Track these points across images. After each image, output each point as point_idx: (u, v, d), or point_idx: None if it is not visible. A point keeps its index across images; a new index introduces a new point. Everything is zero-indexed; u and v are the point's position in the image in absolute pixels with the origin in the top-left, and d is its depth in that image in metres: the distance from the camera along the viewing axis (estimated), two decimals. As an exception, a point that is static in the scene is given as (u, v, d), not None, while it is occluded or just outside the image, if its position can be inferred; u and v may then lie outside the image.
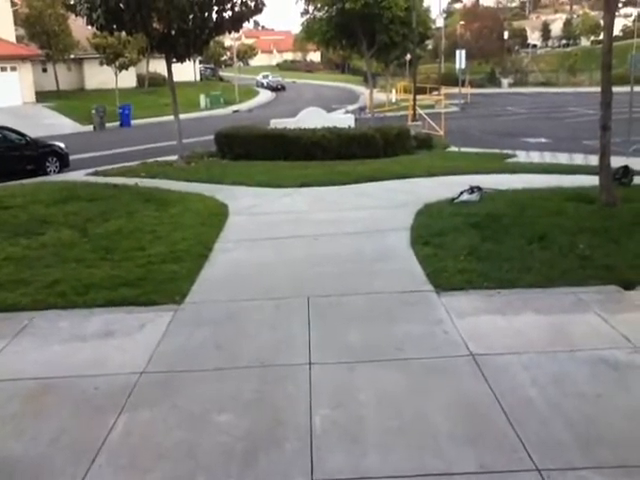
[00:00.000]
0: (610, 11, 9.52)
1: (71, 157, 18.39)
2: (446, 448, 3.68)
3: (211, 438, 3.89)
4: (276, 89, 61.03)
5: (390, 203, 10.33)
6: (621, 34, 68.92)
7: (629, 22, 75.43)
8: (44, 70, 44.25)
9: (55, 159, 17.72)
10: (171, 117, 18.48)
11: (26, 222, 9.54)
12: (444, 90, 38.20)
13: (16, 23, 41.01)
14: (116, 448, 3.83)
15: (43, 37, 40.81)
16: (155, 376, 4.72)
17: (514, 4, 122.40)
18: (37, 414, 4.25)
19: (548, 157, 17.64)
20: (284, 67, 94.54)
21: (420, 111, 27.90)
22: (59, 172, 17.32)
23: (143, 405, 4.30)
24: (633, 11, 69.51)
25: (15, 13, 41.08)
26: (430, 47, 70.31)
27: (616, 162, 10.46)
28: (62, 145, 18.52)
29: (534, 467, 3.47)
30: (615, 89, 9.27)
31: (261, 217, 9.87)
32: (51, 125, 31.15)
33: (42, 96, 39.79)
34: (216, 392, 4.44)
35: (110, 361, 5.00)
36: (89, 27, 18.27)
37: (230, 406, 4.23)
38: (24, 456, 3.79)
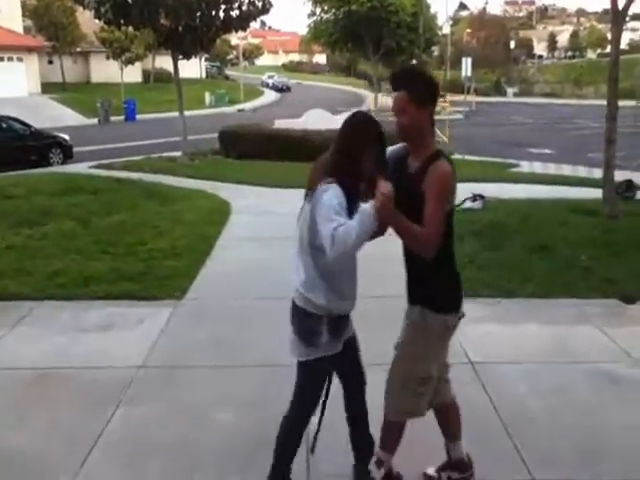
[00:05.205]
0: (617, 24, 9.52)
1: (75, 149, 18.39)
2: (443, 456, 3.66)
3: (209, 435, 3.88)
4: (281, 90, 61.07)
5: (393, 207, 10.31)
6: (627, 48, 69.17)
7: (636, 36, 75.67)
8: (50, 62, 44.30)
9: (59, 150, 17.75)
10: (175, 113, 18.52)
11: (28, 212, 9.53)
12: (449, 97, 38.25)
13: (24, 14, 41.09)
14: (113, 441, 3.81)
15: (50, 29, 40.94)
16: (154, 371, 4.71)
17: (521, 14, 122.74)
18: (34, 404, 4.24)
19: (552, 168, 17.65)
20: (290, 68, 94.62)
21: (425, 117, 27.86)
22: (62, 163, 17.35)
23: (141, 399, 4.29)
24: (640, 25, 69.68)
25: (23, 4, 41.13)
26: (436, 53, 70.51)
27: (620, 176, 10.48)
28: (66, 137, 18.54)
29: (531, 478, 3.46)
30: (621, 103, 9.28)
31: (264, 216, 9.87)
32: (56, 117, 31.16)
33: (48, 88, 39.79)
34: (215, 389, 4.42)
35: (109, 354, 4.99)
36: (96, 21, 18.28)
37: (229, 404, 4.22)
38: (21, 446, 3.77)
